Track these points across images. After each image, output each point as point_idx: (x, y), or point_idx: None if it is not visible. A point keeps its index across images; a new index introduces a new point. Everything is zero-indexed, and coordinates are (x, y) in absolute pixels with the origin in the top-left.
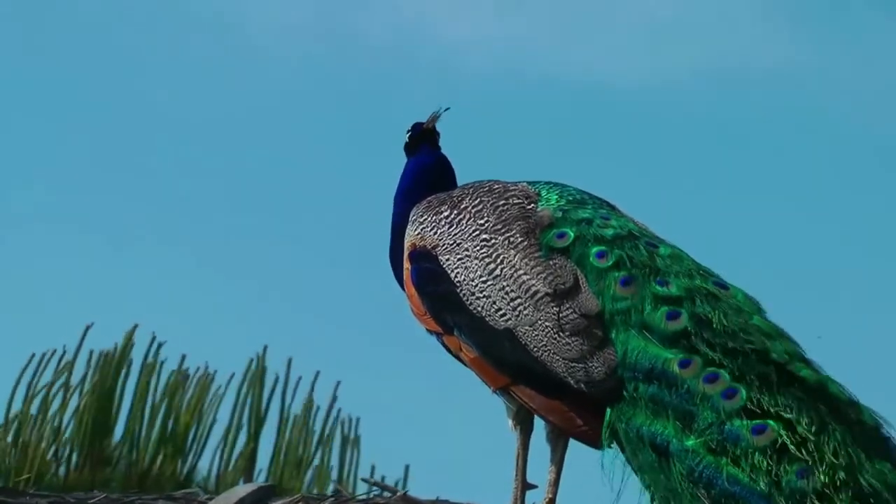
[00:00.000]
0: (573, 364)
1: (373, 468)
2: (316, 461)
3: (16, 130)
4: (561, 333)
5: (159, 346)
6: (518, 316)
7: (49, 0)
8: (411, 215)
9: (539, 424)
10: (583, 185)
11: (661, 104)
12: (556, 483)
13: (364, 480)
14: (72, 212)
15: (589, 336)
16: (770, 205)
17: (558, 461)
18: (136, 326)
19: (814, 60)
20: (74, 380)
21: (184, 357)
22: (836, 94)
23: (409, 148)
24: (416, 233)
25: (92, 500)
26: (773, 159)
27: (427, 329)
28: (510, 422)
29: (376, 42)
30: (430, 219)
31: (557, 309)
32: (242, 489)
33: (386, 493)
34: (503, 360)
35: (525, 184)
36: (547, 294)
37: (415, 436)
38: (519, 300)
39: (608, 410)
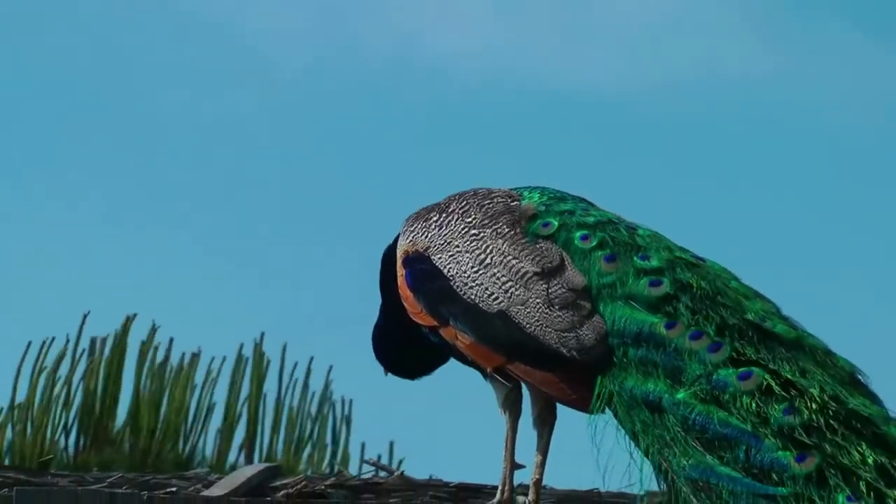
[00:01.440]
0: (565, 334)
1: (363, 446)
2: (311, 441)
3: (31, 127)
4: (551, 308)
5: (154, 330)
6: (510, 297)
7: (60, 14)
8: (401, 228)
9: (526, 410)
10: (575, 186)
11: (647, 109)
12: (542, 465)
13: (364, 461)
14: (79, 204)
15: (577, 307)
16: (746, 205)
17: (544, 445)
18: (135, 315)
19: (785, 68)
20: (75, 365)
21: (201, 349)
22: (805, 99)
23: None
24: (408, 240)
25: (109, 479)
26: (749, 162)
27: (423, 325)
28: (499, 407)
29: (375, 50)
30: (419, 226)
31: (546, 286)
32: (250, 469)
33: (383, 473)
34: (498, 340)
35: (507, 188)
36: (535, 273)
37: (408, 417)
38: (510, 283)
39: (599, 379)
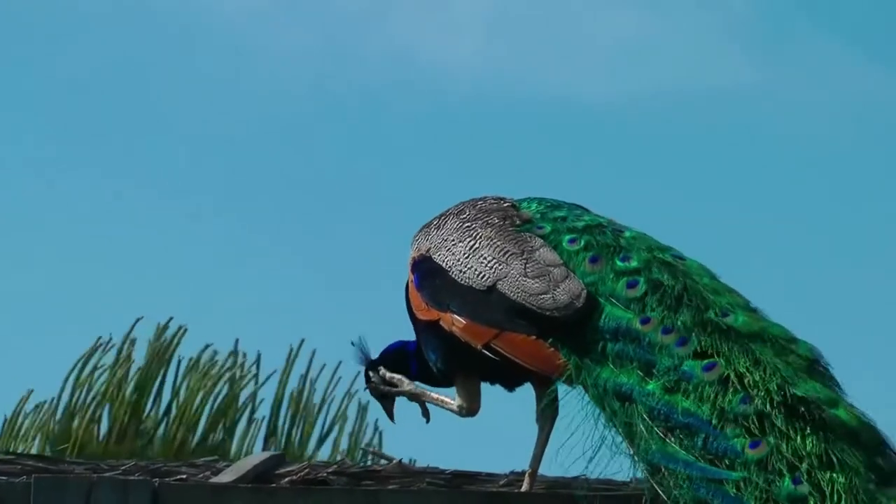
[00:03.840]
0: (540, 297)
1: (379, 436)
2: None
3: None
4: (527, 278)
5: (183, 332)
6: (494, 273)
7: (79, 36)
8: (410, 242)
9: (522, 404)
10: (564, 189)
11: (634, 118)
12: (539, 458)
13: (363, 450)
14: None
15: (550, 274)
16: (727, 208)
17: (544, 439)
18: (183, 329)
19: (762, 79)
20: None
21: (237, 350)
22: (781, 110)
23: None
24: (414, 248)
25: (123, 466)
26: (730, 167)
27: (427, 320)
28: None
29: (374, 65)
30: (422, 234)
31: (524, 261)
32: (255, 457)
33: (383, 461)
34: (486, 316)
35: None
36: (514, 252)
37: (406, 409)
38: (494, 260)
39: (575, 363)
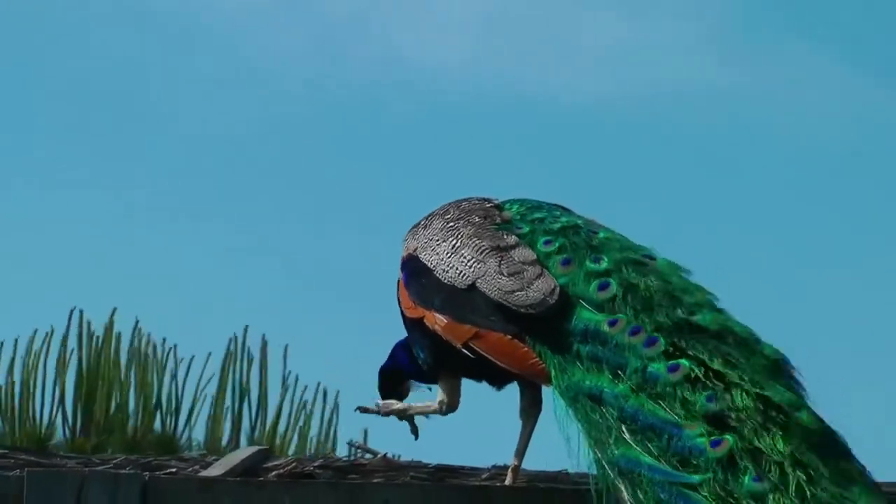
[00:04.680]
0: (514, 294)
1: (365, 432)
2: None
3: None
4: (502, 276)
5: (131, 322)
6: (473, 272)
7: (78, 35)
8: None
9: (506, 399)
10: (552, 185)
11: (620, 118)
12: (521, 454)
13: (348, 443)
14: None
15: (525, 272)
16: (708, 212)
17: (526, 435)
18: (115, 310)
19: (742, 83)
20: (66, 357)
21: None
22: (761, 113)
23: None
24: (404, 247)
25: (115, 460)
26: (711, 169)
27: (413, 318)
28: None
29: (367, 65)
30: (411, 234)
31: (500, 258)
32: (243, 452)
33: (368, 455)
34: (465, 315)
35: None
36: (491, 248)
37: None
38: (473, 258)
39: (548, 360)
